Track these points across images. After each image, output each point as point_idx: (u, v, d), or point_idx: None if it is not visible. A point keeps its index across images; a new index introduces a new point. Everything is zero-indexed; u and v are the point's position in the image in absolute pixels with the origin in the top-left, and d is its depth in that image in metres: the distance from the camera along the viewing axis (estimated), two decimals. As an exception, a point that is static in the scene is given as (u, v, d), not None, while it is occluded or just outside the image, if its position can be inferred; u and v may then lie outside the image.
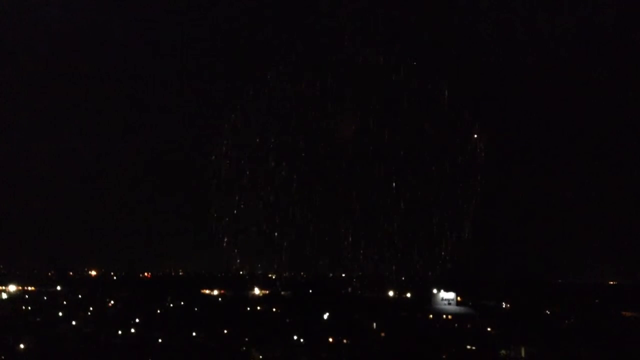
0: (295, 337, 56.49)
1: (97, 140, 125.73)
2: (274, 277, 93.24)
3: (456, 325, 67.75)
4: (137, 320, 64.89)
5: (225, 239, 57.70)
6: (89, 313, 72.61)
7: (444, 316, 73.02)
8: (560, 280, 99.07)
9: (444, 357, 50.63)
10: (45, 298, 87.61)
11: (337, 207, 59.21)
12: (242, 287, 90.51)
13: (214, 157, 57.47)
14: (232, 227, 58.76)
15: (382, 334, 60.60)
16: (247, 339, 55.33)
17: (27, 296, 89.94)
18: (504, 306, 79.25)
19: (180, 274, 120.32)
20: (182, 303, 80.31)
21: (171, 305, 79.66)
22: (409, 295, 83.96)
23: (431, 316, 73.28)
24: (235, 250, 58.71)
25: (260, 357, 50.79)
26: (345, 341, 55.93)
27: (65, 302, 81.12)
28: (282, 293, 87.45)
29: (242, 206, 57.46)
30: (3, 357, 50.61)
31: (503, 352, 52.30)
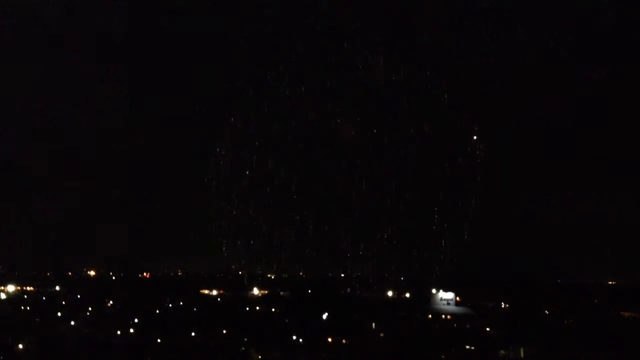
0: (294, 338, 56.44)
1: (97, 140, 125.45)
2: (273, 277, 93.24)
3: (455, 325, 67.73)
4: (136, 320, 64.81)
5: (225, 239, 57.68)
6: (88, 313, 72.49)
7: (443, 316, 72.98)
8: (559, 280, 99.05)
9: (443, 357, 50.61)
10: (44, 298, 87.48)
11: (337, 207, 59.23)
12: (241, 288, 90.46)
13: (213, 157, 57.47)
14: (231, 227, 58.75)
15: (381, 334, 60.58)
16: (246, 339, 55.27)
17: (25, 296, 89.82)
18: (503, 306, 79.23)
19: (179, 274, 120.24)
20: (181, 303, 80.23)
21: (170, 305, 79.57)
22: (408, 295, 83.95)
23: (430, 316, 73.24)
24: (235, 251, 58.69)
25: (260, 357, 50.73)
26: (344, 341, 55.90)
27: (64, 303, 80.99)
28: (281, 293, 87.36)
29: (241, 206, 57.45)
30: (2, 358, 50.51)
31: (502, 352, 52.29)
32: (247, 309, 79.15)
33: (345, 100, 57.66)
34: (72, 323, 65.16)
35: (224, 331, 59.77)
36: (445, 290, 78.40)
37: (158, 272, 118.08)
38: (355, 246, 57.68)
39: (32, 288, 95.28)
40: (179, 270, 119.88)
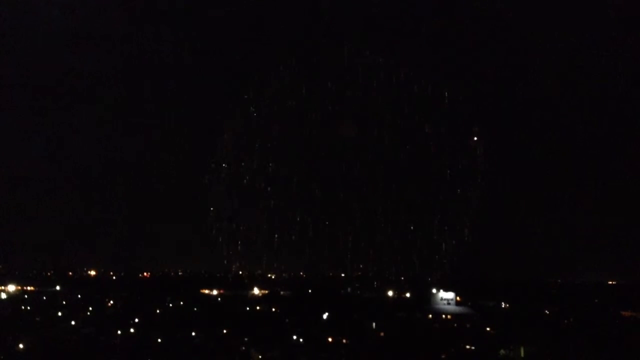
0: (294, 337, 56.39)
1: (97, 140, 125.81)
2: (273, 277, 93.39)
3: (455, 325, 67.72)
4: (136, 320, 64.78)
5: (225, 240, 57.81)
6: (88, 313, 72.51)
7: (443, 316, 73.03)
8: (559, 280, 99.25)
9: (443, 357, 50.52)
10: (44, 298, 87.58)
11: (337, 208, 59.36)
12: (241, 287, 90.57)
13: (214, 157, 57.60)
14: (232, 227, 58.86)
15: (382, 334, 60.54)
16: (246, 339, 55.22)
17: (26, 296, 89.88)
18: (503, 306, 79.30)
19: (180, 274, 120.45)
20: (182, 303, 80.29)
21: (170, 305, 79.62)
22: (408, 295, 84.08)
23: (430, 316, 73.27)
24: (235, 251, 58.83)
25: (260, 357, 50.70)
26: (344, 341, 55.83)
27: (64, 302, 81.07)
28: (282, 293, 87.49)
29: (241, 207, 57.58)
30: (2, 357, 50.51)
31: (502, 351, 52.24)
32: (248, 308, 79.18)
33: (345, 101, 57.82)
34: (73, 323, 65.13)
35: (224, 331, 59.71)
36: (446, 290, 78.54)
37: (158, 271, 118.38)
38: (355, 246, 57.84)
39: (32, 288, 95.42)
40: (179, 270, 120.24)
